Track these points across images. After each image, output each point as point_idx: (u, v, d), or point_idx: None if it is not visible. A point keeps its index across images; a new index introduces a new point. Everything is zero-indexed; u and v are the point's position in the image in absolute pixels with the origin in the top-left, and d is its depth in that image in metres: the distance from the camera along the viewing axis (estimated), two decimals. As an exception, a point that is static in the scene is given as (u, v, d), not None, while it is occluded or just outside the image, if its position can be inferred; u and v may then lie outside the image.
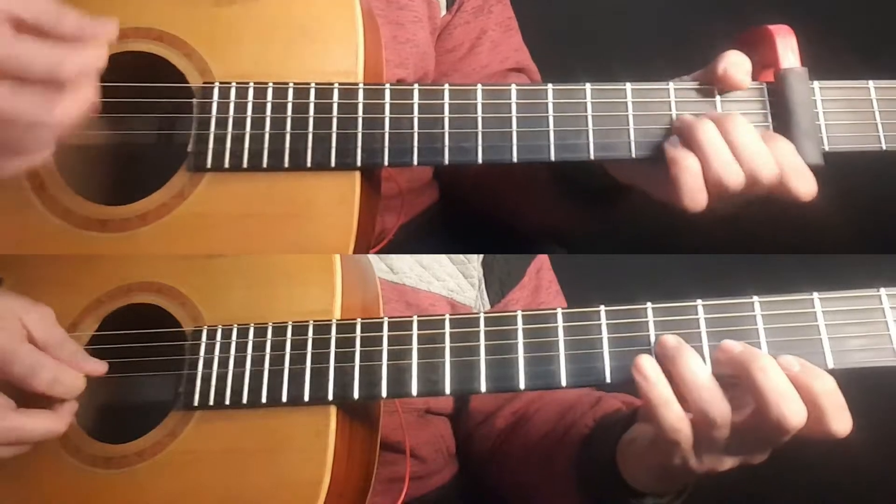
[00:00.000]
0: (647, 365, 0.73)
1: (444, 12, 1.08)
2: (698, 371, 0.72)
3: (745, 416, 0.71)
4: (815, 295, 0.75)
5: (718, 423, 0.70)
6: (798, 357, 0.72)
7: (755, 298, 0.75)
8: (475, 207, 1.13)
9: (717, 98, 0.81)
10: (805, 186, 0.78)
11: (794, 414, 0.69)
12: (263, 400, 0.79)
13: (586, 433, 0.90)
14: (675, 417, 0.71)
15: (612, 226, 0.98)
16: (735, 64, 0.80)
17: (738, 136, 0.77)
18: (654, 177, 0.81)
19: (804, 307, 0.75)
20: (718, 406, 0.70)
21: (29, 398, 0.77)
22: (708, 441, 0.72)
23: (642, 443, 0.77)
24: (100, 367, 0.80)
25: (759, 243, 1.16)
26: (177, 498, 0.78)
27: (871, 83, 0.81)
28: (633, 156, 0.81)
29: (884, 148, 0.80)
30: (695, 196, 0.78)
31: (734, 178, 0.77)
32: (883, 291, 0.74)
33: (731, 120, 0.78)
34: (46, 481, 0.80)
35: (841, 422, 0.70)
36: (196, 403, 0.80)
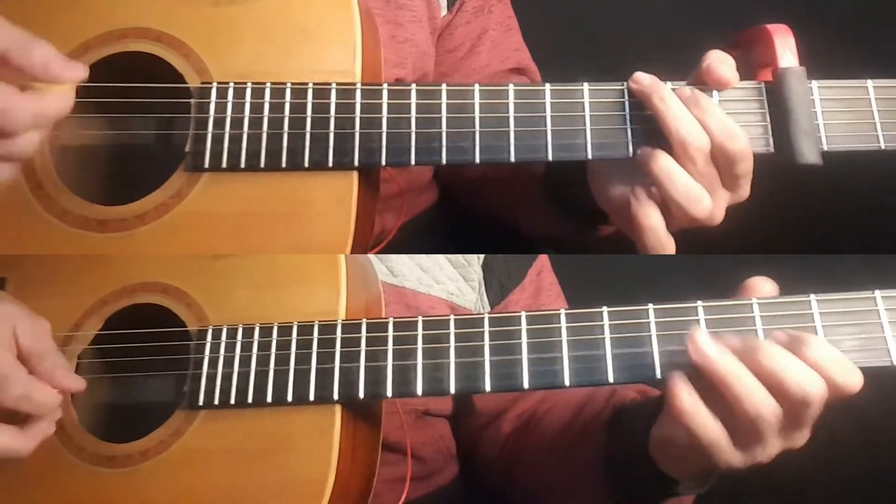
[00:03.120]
0: (681, 386, 0.72)
1: (444, 12, 1.08)
2: (752, 383, 0.71)
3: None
4: (812, 296, 0.76)
5: (773, 422, 0.71)
6: (785, 330, 0.73)
7: (754, 300, 0.76)
8: (473, 210, 1.13)
9: (715, 97, 0.81)
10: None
11: (811, 385, 0.70)
12: (269, 399, 0.79)
13: (608, 426, 0.90)
14: (707, 425, 0.72)
15: (598, 244, 0.99)
16: (718, 60, 0.80)
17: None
18: (625, 220, 0.83)
19: (802, 308, 0.76)
20: (772, 406, 0.71)
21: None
22: (749, 437, 0.72)
23: (681, 443, 0.75)
24: (77, 384, 0.78)
25: (758, 243, 1.17)
26: (181, 497, 0.79)
27: (869, 82, 0.82)
28: (630, 155, 0.81)
29: (882, 147, 0.81)
30: (659, 252, 0.80)
31: (700, 210, 0.78)
32: (878, 293, 0.75)
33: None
34: (49, 481, 0.80)
35: (848, 376, 0.71)
36: (201, 403, 0.80)
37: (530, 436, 1.01)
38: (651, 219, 0.80)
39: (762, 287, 0.77)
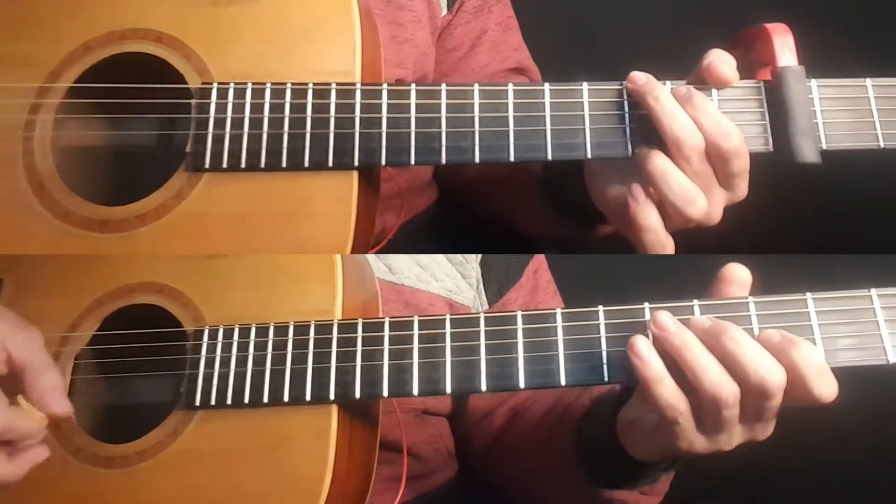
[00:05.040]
0: (642, 345, 0.74)
1: (444, 12, 1.08)
2: (708, 360, 0.72)
3: None
4: (809, 295, 0.75)
5: (731, 403, 0.71)
6: (779, 330, 0.73)
7: (750, 299, 0.76)
8: (472, 210, 1.13)
9: (715, 96, 0.81)
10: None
11: (771, 374, 0.70)
12: (265, 399, 0.79)
13: (584, 411, 0.91)
14: (670, 394, 0.73)
15: (601, 240, 0.99)
16: (718, 59, 0.80)
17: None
18: (624, 220, 0.82)
19: (798, 307, 0.75)
20: (729, 386, 0.71)
21: None
22: (709, 420, 0.73)
23: (647, 425, 0.78)
24: (66, 411, 0.76)
25: (756, 243, 1.17)
26: (178, 497, 0.79)
27: (868, 81, 0.81)
28: (629, 154, 0.81)
29: (882, 146, 0.80)
30: (658, 252, 0.80)
31: (695, 211, 0.78)
32: (874, 292, 0.75)
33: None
34: (46, 481, 0.80)
35: (823, 386, 0.71)
36: (198, 403, 0.80)
37: (515, 427, 1.01)
38: (650, 219, 0.80)
39: (736, 273, 0.78)
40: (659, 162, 0.79)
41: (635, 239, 0.82)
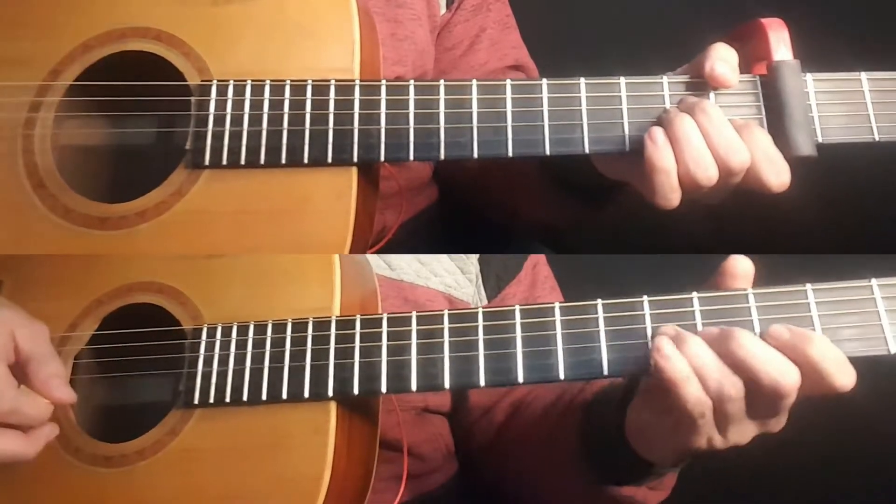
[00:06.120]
0: (666, 345, 0.72)
1: (443, 10, 1.09)
2: (707, 354, 0.72)
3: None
4: (809, 286, 0.75)
5: (734, 397, 0.71)
6: (787, 325, 0.73)
7: (749, 290, 0.76)
8: (472, 206, 1.13)
9: (711, 91, 0.81)
10: (776, 177, 0.77)
11: (784, 376, 0.70)
12: (264, 397, 0.79)
13: (587, 405, 0.90)
14: (697, 392, 0.71)
15: (602, 226, 0.99)
16: (721, 60, 0.80)
17: (712, 127, 0.78)
18: (639, 170, 0.81)
19: (798, 298, 0.75)
20: (734, 382, 0.71)
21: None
22: (726, 415, 0.72)
23: (662, 428, 0.76)
24: (68, 397, 0.77)
25: (756, 243, 1.17)
26: (177, 496, 0.79)
27: (863, 75, 0.81)
28: (628, 149, 0.81)
29: (877, 139, 0.80)
30: (667, 196, 0.79)
31: (707, 175, 0.78)
32: (875, 282, 0.75)
33: (704, 111, 0.78)
34: (46, 481, 0.80)
35: (843, 376, 0.71)
36: (196, 401, 0.80)
37: (517, 422, 1.01)
38: (665, 161, 0.78)
39: (739, 266, 0.77)
40: (685, 124, 0.78)
41: (647, 183, 0.80)
